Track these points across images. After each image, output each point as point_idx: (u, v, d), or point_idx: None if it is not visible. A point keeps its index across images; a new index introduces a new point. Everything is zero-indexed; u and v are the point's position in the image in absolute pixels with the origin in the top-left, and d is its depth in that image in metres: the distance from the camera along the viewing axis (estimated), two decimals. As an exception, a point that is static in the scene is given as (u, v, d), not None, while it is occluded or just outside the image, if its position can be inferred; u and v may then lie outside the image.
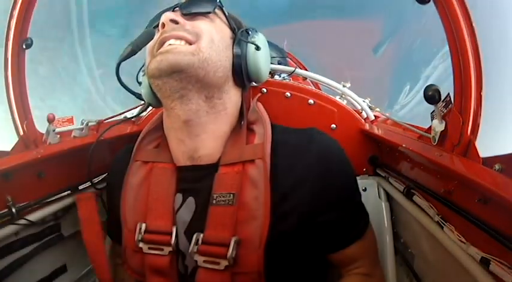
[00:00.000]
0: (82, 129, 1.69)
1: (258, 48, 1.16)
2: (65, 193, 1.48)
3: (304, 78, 2.43)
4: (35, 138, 1.52)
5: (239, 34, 1.17)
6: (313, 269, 1.19)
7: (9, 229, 1.23)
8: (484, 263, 0.89)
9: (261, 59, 1.17)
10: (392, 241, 1.56)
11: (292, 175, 1.07)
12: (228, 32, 1.18)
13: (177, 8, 1.14)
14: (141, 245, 1.10)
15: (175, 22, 1.08)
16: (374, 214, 1.57)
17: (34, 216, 1.32)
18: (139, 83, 1.24)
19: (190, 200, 1.12)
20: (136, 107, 2.03)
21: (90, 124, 1.73)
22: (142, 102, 1.99)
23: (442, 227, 1.11)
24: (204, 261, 1.02)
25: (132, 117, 1.82)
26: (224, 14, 1.21)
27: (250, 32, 1.21)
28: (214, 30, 1.12)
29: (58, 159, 1.44)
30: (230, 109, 1.16)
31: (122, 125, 2.04)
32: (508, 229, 0.83)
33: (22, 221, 1.27)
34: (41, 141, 1.54)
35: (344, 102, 1.89)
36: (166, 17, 1.08)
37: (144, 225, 1.11)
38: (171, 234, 1.08)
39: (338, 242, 1.16)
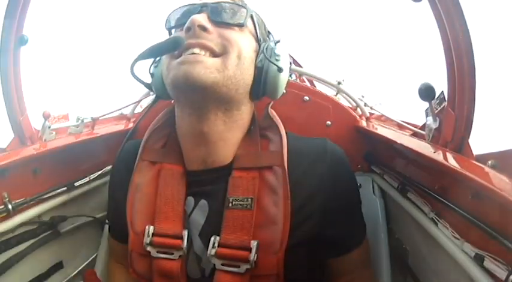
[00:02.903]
0: (77, 125, 1.69)
1: (280, 70, 1.10)
2: (61, 190, 1.48)
3: (300, 75, 2.43)
4: (31, 135, 1.52)
5: (264, 50, 1.11)
6: (325, 269, 1.21)
7: (5, 226, 1.23)
8: (478, 259, 0.90)
9: (282, 81, 1.13)
10: (387, 237, 1.57)
11: (306, 183, 1.08)
12: (254, 45, 1.12)
13: (204, 8, 1.06)
14: (149, 248, 1.06)
15: (203, 28, 1.01)
16: (369, 210, 1.58)
17: (30, 213, 1.32)
18: (152, 74, 1.16)
19: (203, 203, 1.10)
20: (132, 104, 2.03)
21: (85, 121, 1.73)
22: (137, 100, 2.00)
23: (437, 224, 1.12)
24: (223, 264, 1.01)
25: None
26: (253, 23, 1.14)
27: (274, 48, 1.14)
28: (243, 44, 1.05)
29: (54, 156, 1.44)
30: (246, 118, 1.14)
31: (118, 122, 2.05)
32: (501, 225, 0.83)
33: (18, 218, 1.27)
34: (36, 137, 1.54)
35: (339, 99, 1.89)
36: (193, 21, 1.00)
37: (152, 228, 1.07)
38: (181, 238, 1.05)
39: (342, 247, 1.18)
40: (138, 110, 2.09)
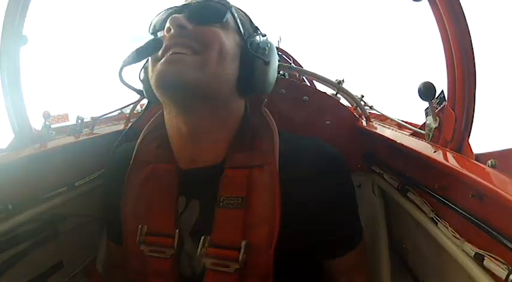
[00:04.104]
0: (77, 125, 1.70)
1: (266, 63, 1.11)
2: (61, 189, 1.48)
3: (299, 74, 2.43)
4: (31, 135, 1.52)
5: (248, 45, 1.11)
6: (318, 270, 1.21)
7: (5, 226, 1.23)
8: (478, 258, 0.90)
9: (269, 74, 1.13)
10: (387, 237, 1.56)
11: (301, 185, 1.07)
12: (237, 39, 1.12)
13: (185, 9, 1.07)
14: (142, 247, 1.07)
15: (183, 27, 1.01)
16: (369, 210, 1.58)
17: (30, 213, 1.32)
18: (142, 81, 1.18)
19: (195, 202, 1.11)
20: (131, 104, 2.03)
21: (85, 121, 1.73)
22: (137, 100, 2.00)
23: (437, 223, 1.12)
24: (213, 264, 1.01)
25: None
26: (235, 18, 1.13)
27: (259, 43, 1.15)
28: (224, 40, 1.05)
29: (53, 156, 1.44)
30: (235, 115, 1.15)
31: (118, 122, 2.05)
32: (501, 224, 0.84)
33: (18, 218, 1.27)
34: (36, 137, 1.54)
35: (339, 99, 1.89)
36: (172, 21, 1.01)
37: (145, 228, 1.08)
38: (173, 236, 1.06)
39: (338, 248, 1.18)
40: (138, 109, 2.09)
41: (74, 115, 1.76)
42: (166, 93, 1.02)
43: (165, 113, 1.15)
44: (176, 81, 0.96)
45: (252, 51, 1.10)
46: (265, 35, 1.21)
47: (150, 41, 1.02)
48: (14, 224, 1.26)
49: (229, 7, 1.10)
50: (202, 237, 1.02)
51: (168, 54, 1.00)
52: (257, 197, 1.03)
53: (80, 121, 1.71)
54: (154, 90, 1.04)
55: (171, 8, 1.11)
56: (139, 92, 1.19)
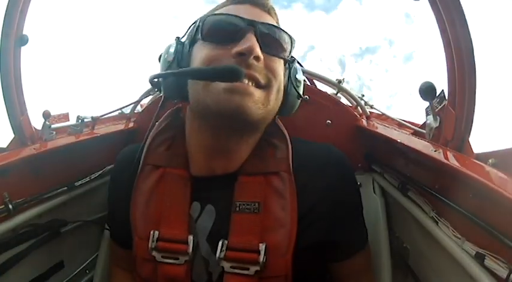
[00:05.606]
0: (78, 125, 1.69)
1: (299, 97, 1.16)
2: (62, 189, 1.48)
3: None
4: (31, 135, 1.51)
5: (292, 78, 1.14)
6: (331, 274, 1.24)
7: (6, 225, 1.23)
8: (479, 258, 0.90)
9: (298, 105, 1.19)
10: (388, 236, 1.56)
11: (313, 190, 1.09)
12: (283, 68, 1.12)
13: (251, 27, 1.01)
14: (154, 253, 1.05)
15: (257, 59, 0.98)
16: (369, 209, 1.58)
17: (31, 213, 1.32)
18: (164, 77, 1.10)
19: (210, 208, 1.11)
20: (131, 104, 2.03)
21: (85, 120, 1.73)
22: (137, 100, 1.99)
23: (437, 222, 1.12)
24: (232, 267, 1.01)
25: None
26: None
27: (297, 74, 1.17)
28: (282, 76, 1.08)
29: (54, 156, 1.44)
30: (261, 133, 1.16)
31: (118, 121, 2.05)
32: (502, 224, 0.84)
33: (19, 218, 1.27)
34: (36, 137, 1.54)
35: (340, 98, 1.89)
36: (250, 50, 0.96)
37: (157, 233, 1.06)
38: (187, 242, 1.05)
39: (344, 252, 1.19)
40: (138, 109, 2.10)
41: (74, 115, 1.76)
42: (221, 120, 1.00)
43: (193, 122, 1.13)
44: (241, 114, 0.95)
45: (295, 86, 1.14)
46: (294, 59, 1.19)
47: (228, 69, 0.95)
48: (14, 224, 1.26)
49: (294, 41, 1.11)
50: (220, 242, 1.03)
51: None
52: (273, 202, 1.05)
53: (80, 121, 1.71)
54: (207, 111, 1.01)
55: (232, 15, 1.04)
56: (157, 87, 1.15)
